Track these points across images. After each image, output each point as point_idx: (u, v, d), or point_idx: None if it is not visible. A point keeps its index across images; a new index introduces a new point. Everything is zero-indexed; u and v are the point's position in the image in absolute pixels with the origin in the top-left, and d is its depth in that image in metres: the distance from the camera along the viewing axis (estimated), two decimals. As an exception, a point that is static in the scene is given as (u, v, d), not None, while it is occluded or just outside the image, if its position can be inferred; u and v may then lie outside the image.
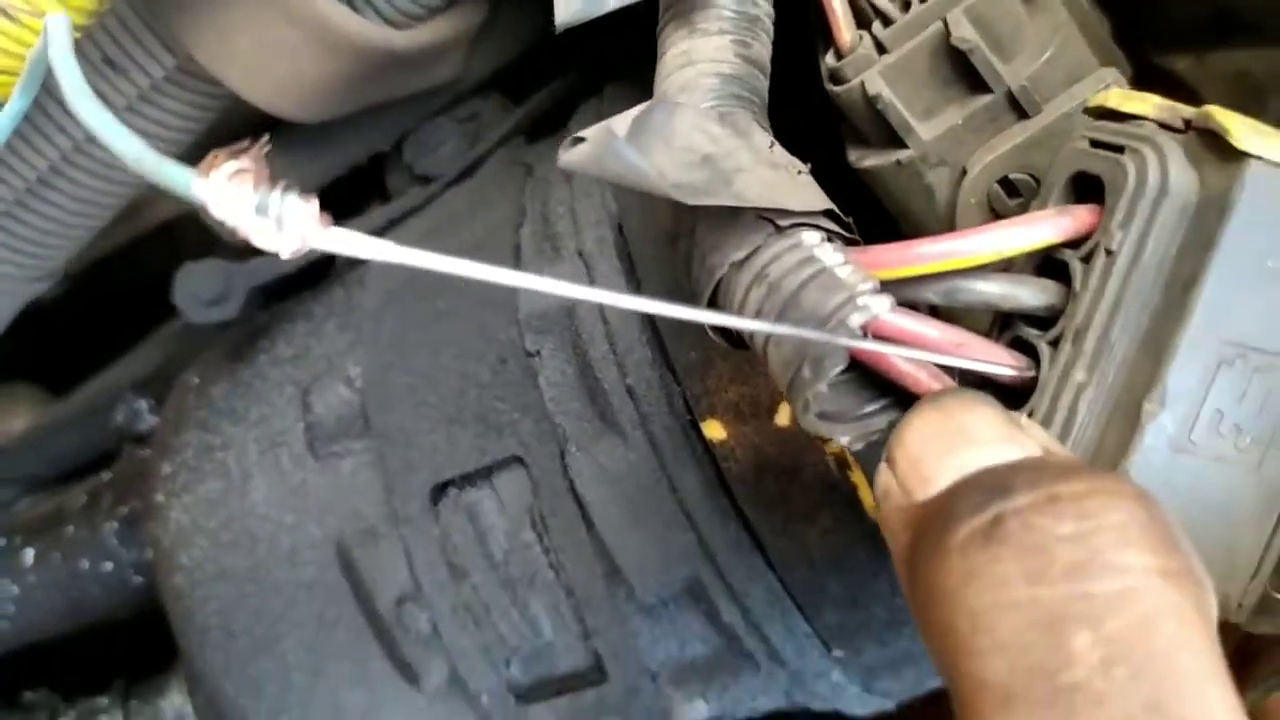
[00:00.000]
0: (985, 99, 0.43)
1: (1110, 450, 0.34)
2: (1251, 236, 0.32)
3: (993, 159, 0.42)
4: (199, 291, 0.61)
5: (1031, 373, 0.35)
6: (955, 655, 0.28)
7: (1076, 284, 0.35)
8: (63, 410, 0.87)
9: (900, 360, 0.34)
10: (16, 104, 0.43)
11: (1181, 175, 0.33)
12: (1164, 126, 0.34)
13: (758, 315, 0.35)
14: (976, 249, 0.34)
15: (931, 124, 0.43)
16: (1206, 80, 0.56)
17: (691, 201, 0.34)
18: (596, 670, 0.56)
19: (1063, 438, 0.34)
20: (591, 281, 0.54)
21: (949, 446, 0.31)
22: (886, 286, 0.34)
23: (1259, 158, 0.32)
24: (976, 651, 0.27)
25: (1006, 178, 0.43)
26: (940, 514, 0.29)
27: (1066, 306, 0.35)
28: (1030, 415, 0.35)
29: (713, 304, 0.37)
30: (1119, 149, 0.34)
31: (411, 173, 0.65)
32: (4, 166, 0.58)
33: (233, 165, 0.26)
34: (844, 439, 0.35)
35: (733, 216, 0.36)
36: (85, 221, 0.63)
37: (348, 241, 0.26)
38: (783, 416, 0.51)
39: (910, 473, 0.32)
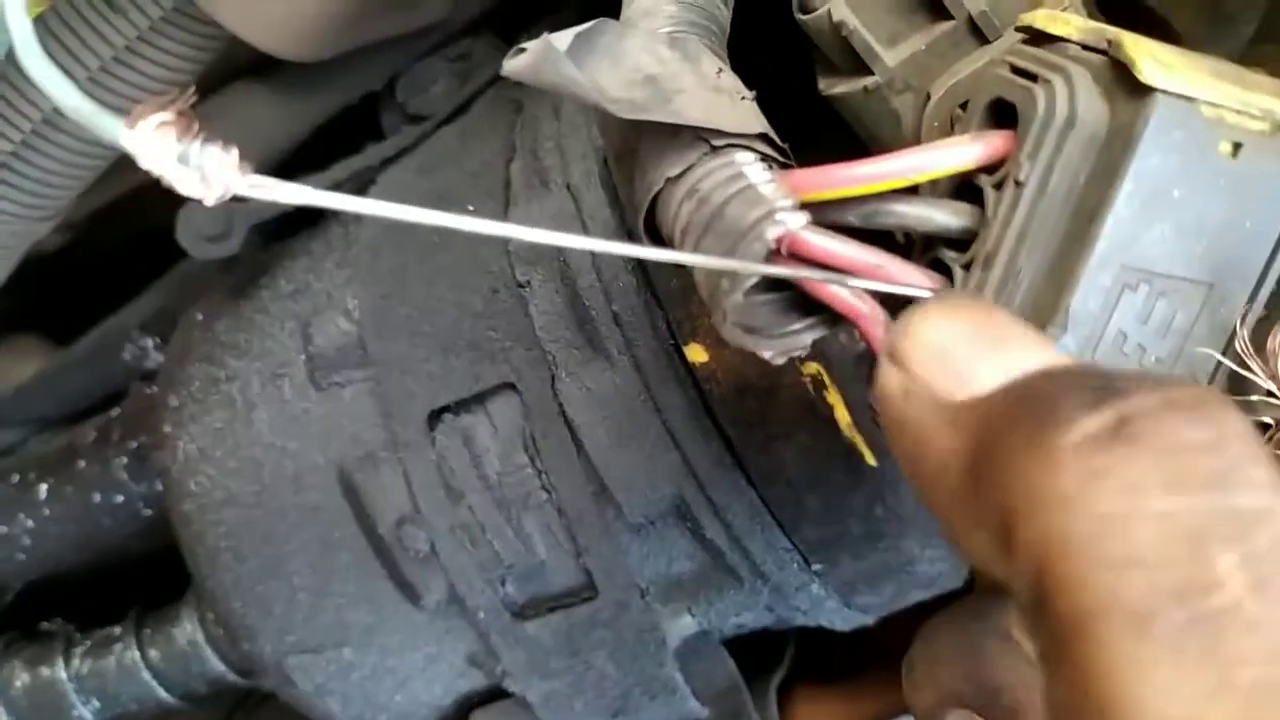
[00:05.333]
0: (947, 25, 0.44)
1: None
2: (1157, 168, 0.33)
3: (954, 84, 0.44)
4: (202, 229, 0.63)
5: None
6: (1069, 566, 0.24)
7: (989, 210, 0.35)
8: (71, 353, 0.90)
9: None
10: None
11: (1091, 106, 0.34)
12: (1088, 49, 0.35)
13: (687, 227, 0.36)
14: (889, 173, 0.35)
15: (896, 50, 0.45)
16: (1177, 9, 0.58)
17: (627, 115, 0.36)
18: (588, 587, 0.59)
19: None
20: (579, 211, 0.56)
21: (982, 344, 0.29)
22: (811, 209, 0.34)
23: (1165, 92, 0.33)
24: (1105, 563, 0.24)
25: (968, 102, 0.44)
26: (1035, 411, 0.26)
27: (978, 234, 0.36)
28: None
29: (650, 217, 0.38)
30: (1034, 77, 0.35)
31: (404, 112, 0.67)
32: (10, 109, 0.61)
33: (158, 117, 0.26)
34: (766, 353, 0.36)
35: (672, 135, 0.37)
36: (91, 162, 0.65)
37: (268, 188, 0.28)
38: (761, 338, 0.53)
39: (937, 370, 0.29)
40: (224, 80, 0.67)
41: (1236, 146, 0.34)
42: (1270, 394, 0.35)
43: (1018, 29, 0.39)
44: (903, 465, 0.30)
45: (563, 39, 0.36)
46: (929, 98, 0.45)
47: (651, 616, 0.59)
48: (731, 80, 0.40)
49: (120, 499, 0.76)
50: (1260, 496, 0.24)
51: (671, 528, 0.58)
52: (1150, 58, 0.33)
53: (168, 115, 0.28)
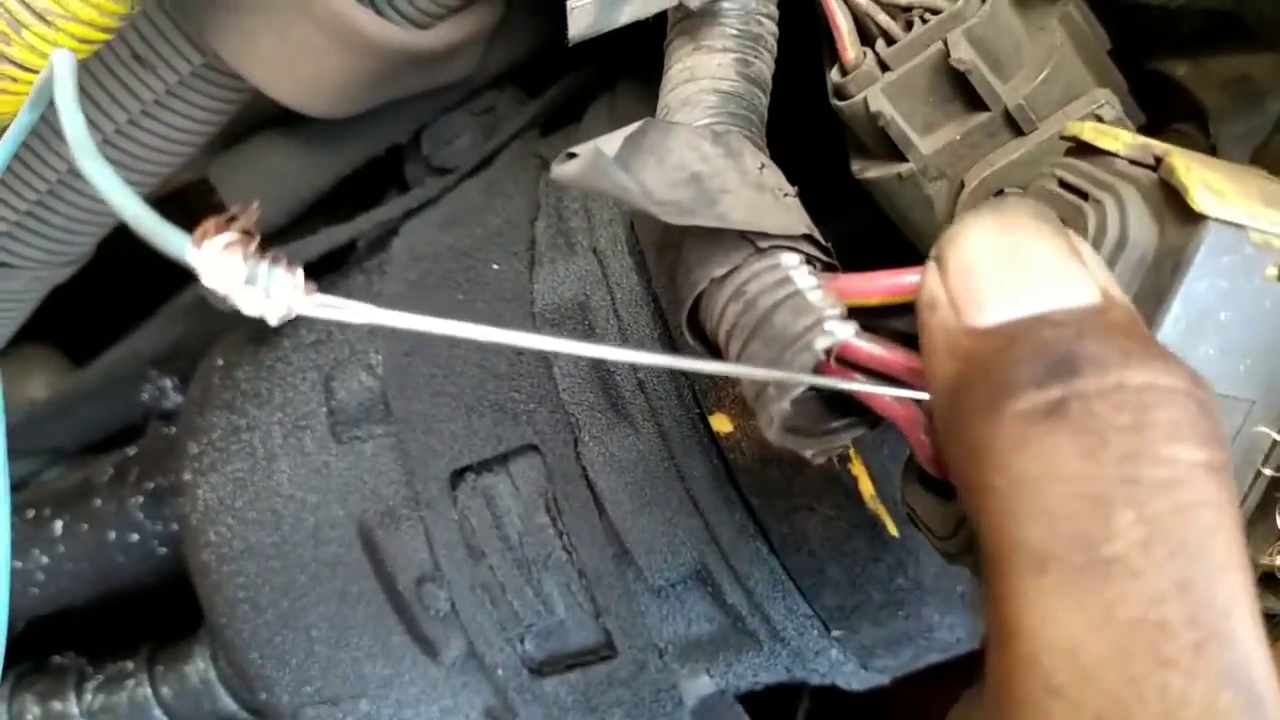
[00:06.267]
0: (983, 116, 0.44)
1: None
2: (1205, 292, 0.33)
3: (989, 174, 0.44)
4: (224, 280, 0.63)
5: None
6: (995, 514, 0.29)
7: None
8: (84, 381, 0.90)
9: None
10: (25, 118, 0.45)
11: (1140, 228, 0.34)
12: (1135, 164, 0.35)
13: (733, 330, 0.36)
14: None
15: (931, 139, 0.45)
16: (1205, 85, 0.58)
17: (675, 221, 0.36)
18: (606, 646, 0.59)
19: None
20: (604, 276, 0.57)
21: (1008, 272, 0.31)
22: (856, 313, 0.35)
23: (1217, 220, 0.33)
24: (1017, 513, 0.28)
25: (1002, 191, 0.45)
26: (998, 374, 0.29)
27: None
28: None
29: (693, 314, 0.39)
30: (1084, 195, 0.35)
31: (429, 164, 0.67)
32: (36, 160, 0.61)
33: (225, 238, 0.27)
34: (809, 453, 0.36)
35: (717, 235, 0.37)
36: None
37: (332, 307, 0.28)
38: (787, 411, 0.53)
39: (962, 288, 0.31)
40: (248, 129, 0.67)
41: None
42: None
43: (1063, 138, 0.39)
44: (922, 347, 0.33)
45: (611, 143, 0.36)
46: (963, 186, 0.46)
47: (669, 676, 0.59)
48: (774, 176, 0.40)
49: (135, 537, 0.76)
50: (1168, 470, 0.28)
51: (692, 591, 0.58)
52: (1202, 184, 0.33)
53: (233, 236, 0.28)
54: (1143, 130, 0.48)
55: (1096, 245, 0.34)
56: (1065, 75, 0.44)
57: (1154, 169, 0.35)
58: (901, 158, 0.46)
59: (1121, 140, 0.36)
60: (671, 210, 0.36)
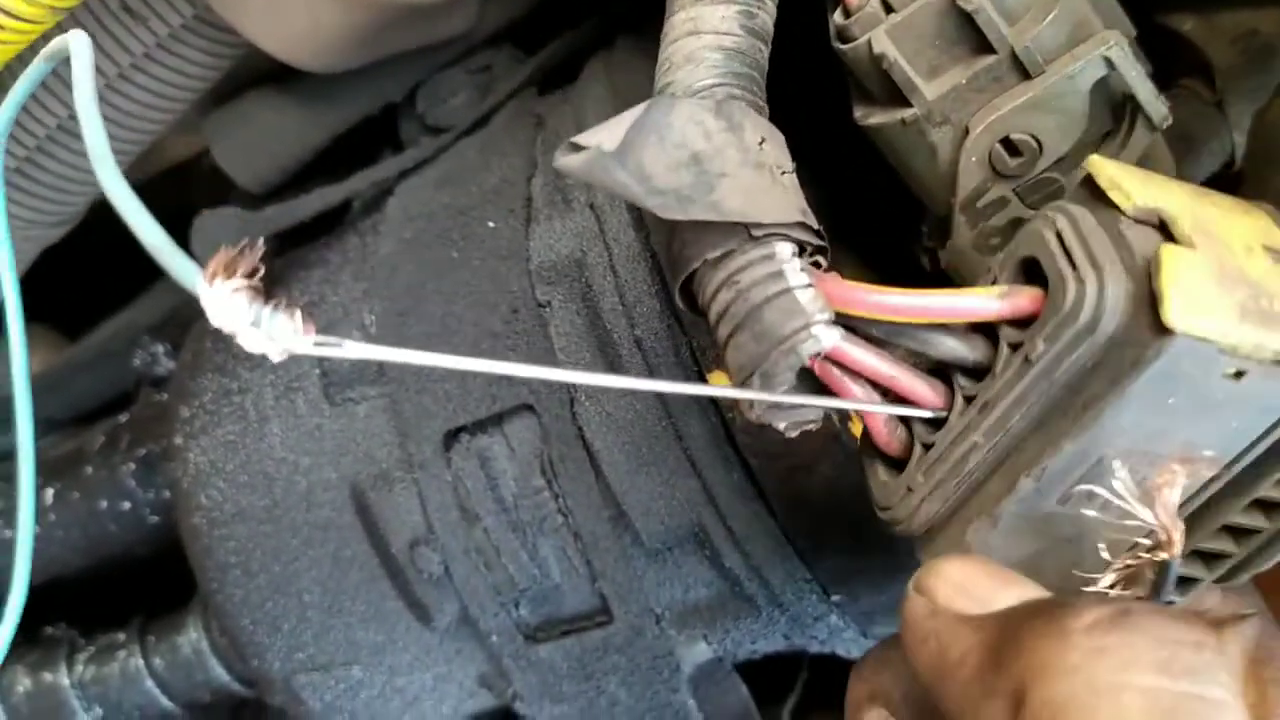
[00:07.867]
0: (989, 59, 0.43)
1: (988, 495, 0.38)
2: (1159, 385, 0.34)
3: (995, 119, 0.43)
4: (216, 239, 0.62)
5: (945, 414, 0.39)
6: None
7: (998, 365, 0.37)
8: (78, 353, 0.89)
9: (838, 373, 0.38)
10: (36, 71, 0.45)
11: (1113, 317, 0.35)
12: (1141, 223, 0.36)
13: (723, 316, 0.38)
14: (918, 309, 0.37)
15: (936, 83, 0.44)
16: (1213, 39, 0.57)
17: (670, 216, 0.37)
18: (602, 611, 0.58)
19: (950, 477, 0.38)
20: (601, 231, 0.56)
21: (999, 581, 0.35)
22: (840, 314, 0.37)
23: (1184, 335, 0.33)
24: None
25: (1008, 137, 0.44)
26: (1054, 604, 0.33)
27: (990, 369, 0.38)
28: (928, 449, 0.39)
29: (685, 290, 0.40)
30: (1073, 263, 0.36)
31: (424, 123, 0.66)
32: (25, 115, 0.60)
33: (234, 284, 0.29)
34: (781, 424, 0.39)
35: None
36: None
37: (332, 346, 0.30)
38: (786, 368, 0.52)
39: (958, 595, 0.35)
40: (242, 87, 0.66)
41: (1240, 373, 0.35)
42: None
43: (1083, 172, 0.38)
44: (921, 668, 0.35)
45: (614, 137, 0.36)
46: (968, 132, 0.44)
47: (666, 642, 0.58)
48: (775, 151, 0.39)
49: (127, 505, 0.75)
50: (1223, 693, 0.31)
51: (689, 555, 0.57)
52: (1182, 294, 0.33)
53: (240, 282, 0.29)
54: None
55: (1067, 323, 0.35)
56: (1073, 18, 0.43)
57: (1158, 228, 0.36)
58: (905, 103, 0.45)
59: (1132, 199, 0.36)
60: (669, 203, 0.37)
